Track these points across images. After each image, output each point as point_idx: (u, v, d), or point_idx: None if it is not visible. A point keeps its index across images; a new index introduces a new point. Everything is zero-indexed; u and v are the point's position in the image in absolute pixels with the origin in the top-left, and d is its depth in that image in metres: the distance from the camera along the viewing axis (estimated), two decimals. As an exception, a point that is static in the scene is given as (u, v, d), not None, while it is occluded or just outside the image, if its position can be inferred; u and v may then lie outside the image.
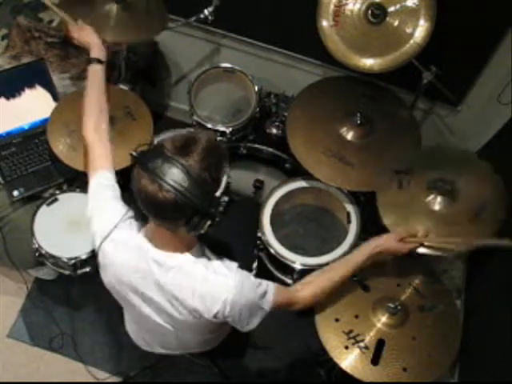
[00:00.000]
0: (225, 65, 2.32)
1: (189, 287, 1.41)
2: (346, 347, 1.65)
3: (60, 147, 2.01)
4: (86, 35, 1.88)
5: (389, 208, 1.80)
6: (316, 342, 1.70)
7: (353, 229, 2.01)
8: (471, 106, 2.20)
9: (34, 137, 2.22)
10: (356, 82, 2.16)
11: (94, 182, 1.59)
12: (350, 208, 2.06)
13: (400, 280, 1.80)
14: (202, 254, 1.47)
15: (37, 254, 2.00)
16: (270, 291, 1.47)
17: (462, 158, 1.93)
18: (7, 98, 2.14)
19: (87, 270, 2.04)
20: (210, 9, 2.13)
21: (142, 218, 1.49)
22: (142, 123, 2.11)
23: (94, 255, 1.98)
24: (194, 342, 1.68)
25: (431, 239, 1.69)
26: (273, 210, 2.05)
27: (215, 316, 1.42)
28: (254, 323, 1.48)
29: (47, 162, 2.19)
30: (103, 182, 1.59)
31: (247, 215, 2.04)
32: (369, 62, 1.95)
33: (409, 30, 1.87)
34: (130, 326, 1.81)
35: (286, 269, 1.98)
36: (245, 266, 1.50)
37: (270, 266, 2.04)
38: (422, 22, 1.85)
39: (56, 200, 2.09)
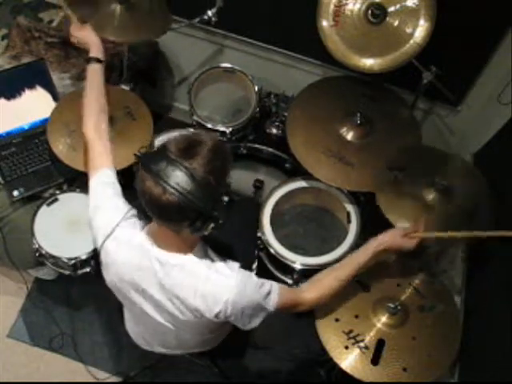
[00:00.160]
0: (225, 65, 2.32)
1: (191, 286, 1.41)
2: (346, 347, 1.65)
3: (60, 147, 2.01)
4: (85, 34, 1.89)
5: (389, 205, 1.81)
6: (316, 341, 1.70)
7: (353, 229, 2.01)
8: (471, 106, 2.20)
9: (34, 137, 2.22)
10: (356, 81, 2.16)
11: (94, 181, 1.59)
12: (350, 208, 2.06)
13: (400, 280, 1.80)
14: (204, 254, 1.47)
15: (37, 254, 2.00)
16: (273, 291, 1.46)
17: (458, 163, 1.95)
18: (7, 97, 2.14)
19: (87, 270, 2.04)
20: (214, 10, 2.13)
21: (144, 217, 1.49)
22: (142, 123, 2.11)
23: (94, 255, 2.00)
24: (193, 341, 1.68)
25: (434, 232, 1.69)
26: (273, 210, 2.05)
27: (217, 316, 1.42)
28: (256, 322, 1.47)
29: (47, 162, 2.19)
30: (104, 180, 1.59)
31: (247, 215, 2.04)
32: (369, 62, 1.95)
33: (409, 30, 1.87)
34: (130, 325, 1.81)
35: (286, 269, 1.98)
36: (245, 266, 1.50)
37: (269, 266, 2.04)
38: (422, 21, 1.85)
39: (56, 200, 2.09)
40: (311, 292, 1.56)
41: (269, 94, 2.35)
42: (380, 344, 1.66)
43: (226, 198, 1.34)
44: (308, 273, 1.94)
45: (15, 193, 2.11)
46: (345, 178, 1.97)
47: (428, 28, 1.85)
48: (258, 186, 2.33)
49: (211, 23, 2.16)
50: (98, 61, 1.82)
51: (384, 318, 1.70)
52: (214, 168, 1.29)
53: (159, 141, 2.17)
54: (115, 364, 2.25)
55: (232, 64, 2.32)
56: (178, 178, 1.25)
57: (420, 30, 1.86)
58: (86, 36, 1.89)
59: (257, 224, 2.01)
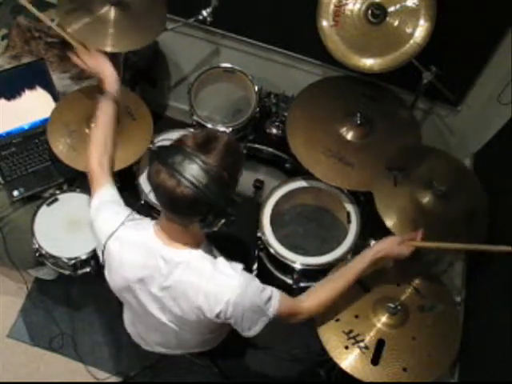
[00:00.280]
0: (225, 65, 2.32)
1: (194, 284, 1.41)
2: (346, 347, 1.65)
3: (60, 147, 2.01)
4: (97, 64, 1.77)
5: (387, 209, 1.81)
6: (316, 341, 1.70)
7: (353, 229, 2.01)
8: (471, 106, 2.20)
9: (34, 137, 2.23)
10: (356, 81, 2.16)
11: (96, 201, 1.56)
12: (350, 208, 2.06)
13: (400, 280, 1.80)
14: (209, 252, 1.47)
15: (37, 254, 2.00)
16: (274, 297, 1.46)
17: (457, 168, 1.95)
18: (7, 98, 2.15)
19: (87, 270, 2.04)
20: (209, 10, 2.12)
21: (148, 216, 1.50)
22: (142, 123, 2.12)
23: (94, 255, 2.00)
24: (193, 341, 1.68)
25: (431, 243, 1.70)
26: (273, 210, 2.05)
27: (217, 316, 1.42)
28: (256, 330, 1.47)
29: (47, 162, 2.19)
30: (106, 199, 1.56)
31: (247, 215, 2.04)
32: (369, 62, 1.95)
33: (409, 30, 1.87)
34: (130, 326, 1.81)
35: (286, 269, 1.98)
36: (245, 266, 1.50)
37: (269, 266, 2.04)
38: (422, 22, 1.85)
39: (56, 200, 2.09)
40: (309, 302, 1.56)
41: (269, 94, 2.35)
42: (380, 344, 1.66)
43: (237, 197, 1.36)
44: (308, 273, 1.95)
45: (15, 193, 2.11)
46: (345, 177, 1.97)
47: (428, 28, 1.85)
48: (258, 186, 2.33)
49: (206, 23, 2.16)
50: (112, 95, 1.72)
51: (384, 318, 1.69)
52: (228, 164, 1.31)
53: (159, 141, 2.18)
54: (115, 364, 2.25)
55: (232, 64, 2.32)
56: (193, 171, 1.26)
57: (420, 30, 1.86)
58: (97, 66, 1.76)
59: (257, 224, 2.01)
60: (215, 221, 1.35)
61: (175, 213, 1.36)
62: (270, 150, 2.33)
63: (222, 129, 2.18)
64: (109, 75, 1.74)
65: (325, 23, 1.94)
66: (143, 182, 2.11)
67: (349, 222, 2.03)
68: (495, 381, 1.61)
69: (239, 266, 1.45)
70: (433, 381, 1.64)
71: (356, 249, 1.99)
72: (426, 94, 2.09)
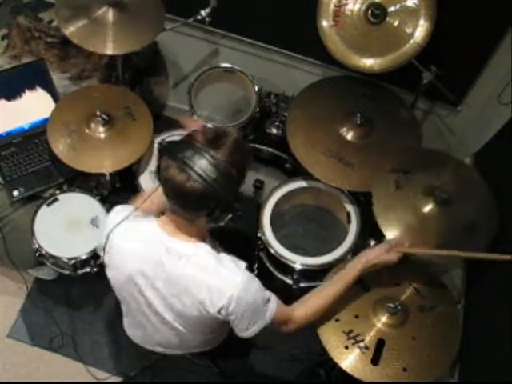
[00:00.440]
0: (225, 65, 2.32)
1: (197, 278, 1.42)
2: (346, 347, 1.65)
3: (60, 147, 2.01)
4: (195, 126, 1.89)
5: (384, 210, 1.80)
6: (316, 341, 1.70)
7: (353, 229, 2.01)
8: (471, 106, 2.20)
9: (34, 137, 2.22)
10: (356, 81, 2.16)
11: (119, 207, 1.60)
12: (350, 208, 2.06)
13: (400, 280, 1.80)
14: (213, 247, 1.48)
15: (37, 254, 2.00)
16: (272, 301, 1.49)
17: (461, 170, 1.93)
18: (7, 98, 2.15)
19: (87, 270, 2.04)
20: (207, 10, 2.12)
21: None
22: (142, 123, 2.12)
23: (94, 255, 2.00)
24: (195, 341, 1.68)
25: (421, 250, 1.71)
26: (273, 210, 2.05)
27: (219, 311, 1.42)
28: (253, 331, 1.48)
29: (47, 162, 2.19)
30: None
31: (247, 215, 2.04)
32: (369, 62, 1.95)
33: (409, 30, 1.87)
34: (130, 329, 1.80)
35: (286, 269, 1.98)
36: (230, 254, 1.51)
37: (269, 266, 2.04)
38: (421, 22, 1.85)
39: (56, 200, 2.09)
40: (300, 311, 1.57)
41: (269, 94, 2.35)
42: (380, 344, 1.66)
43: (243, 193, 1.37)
44: (308, 273, 1.95)
45: (15, 193, 2.11)
46: (345, 178, 1.97)
47: (428, 28, 1.85)
48: (258, 186, 2.32)
49: (205, 23, 2.16)
50: None
51: (384, 318, 1.69)
52: (236, 160, 1.34)
53: (159, 141, 2.18)
54: (115, 364, 2.25)
55: (232, 64, 2.32)
56: (202, 165, 1.29)
57: (420, 30, 1.86)
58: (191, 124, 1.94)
59: (257, 224, 2.01)
60: (222, 216, 1.37)
61: (183, 207, 1.37)
62: (270, 149, 2.33)
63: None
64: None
65: (325, 23, 1.94)
66: (143, 181, 2.11)
67: (349, 222, 2.03)
68: (495, 381, 1.61)
69: (243, 264, 1.46)
70: (433, 381, 1.64)
71: (356, 249, 1.99)
72: (426, 94, 2.09)
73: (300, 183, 2.12)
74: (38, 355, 2.28)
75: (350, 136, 2.04)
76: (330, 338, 1.67)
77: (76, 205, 2.10)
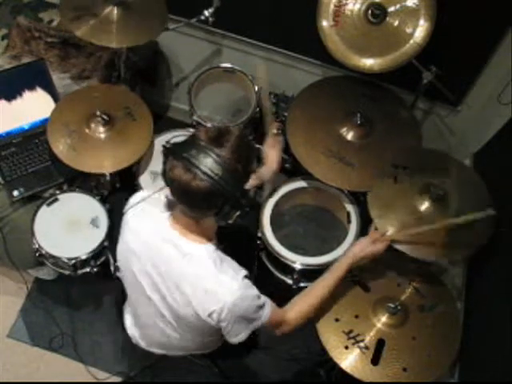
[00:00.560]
0: (225, 65, 2.32)
1: (195, 278, 1.42)
2: (346, 347, 1.65)
3: (60, 147, 2.01)
4: (272, 155, 1.91)
5: (377, 203, 1.80)
6: (316, 341, 1.70)
7: (353, 229, 2.01)
8: (471, 106, 2.20)
9: (34, 137, 2.22)
10: (356, 81, 2.16)
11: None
12: (350, 208, 2.06)
13: (400, 280, 1.80)
14: (216, 251, 1.48)
15: (37, 254, 2.00)
16: (267, 306, 1.49)
17: (458, 170, 1.93)
18: (7, 98, 2.14)
19: (87, 270, 2.04)
20: (211, 10, 2.13)
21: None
22: (142, 123, 2.12)
23: (94, 255, 2.00)
24: (194, 343, 1.68)
25: (404, 233, 1.71)
26: (273, 210, 2.05)
27: (210, 315, 1.42)
28: (241, 337, 1.49)
29: (47, 162, 2.19)
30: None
31: (247, 215, 2.04)
32: (369, 62, 1.95)
33: (409, 30, 1.87)
34: (132, 326, 1.80)
35: (286, 269, 1.98)
36: (245, 266, 1.50)
37: (269, 265, 2.04)
38: (421, 21, 1.85)
39: (56, 200, 2.09)
40: (293, 312, 1.58)
41: (269, 94, 2.34)
42: (380, 344, 1.66)
43: (251, 191, 1.40)
44: (308, 273, 1.95)
45: (15, 193, 2.11)
46: (345, 178, 1.97)
47: (428, 28, 1.85)
48: (258, 186, 2.33)
49: (209, 23, 2.16)
50: (262, 175, 1.86)
51: (384, 318, 1.69)
52: (241, 156, 1.34)
53: (159, 141, 2.18)
54: (115, 364, 2.25)
55: (232, 64, 2.32)
56: (208, 163, 1.29)
57: (420, 30, 1.86)
58: (271, 158, 1.91)
59: (257, 224, 2.01)
60: (230, 213, 1.37)
61: (190, 207, 1.38)
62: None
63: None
64: (271, 162, 1.89)
65: (325, 23, 1.94)
66: (143, 181, 2.11)
67: (349, 222, 2.03)
68: (495, 381, 1.61)
69: (243, 271, 1.46)
70: (433, 381, 1.64)
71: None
72: (426, 94, 2.09)
73: (300, 183, 2.12)
74: (38, 355, 2.28)
75: (350, 136, 2.04)
76: (330, 338, 1.67)
77: (76, 205, 2.10)
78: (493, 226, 1.76)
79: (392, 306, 1.68)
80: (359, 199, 2.09)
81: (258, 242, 2.01)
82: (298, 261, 1.93)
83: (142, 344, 1.80)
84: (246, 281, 1.44)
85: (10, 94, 2.14)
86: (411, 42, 1.88)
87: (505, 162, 1.95)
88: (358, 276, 1.79)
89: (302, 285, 1.99)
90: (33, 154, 2.19)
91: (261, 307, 1.47)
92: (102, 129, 2.06)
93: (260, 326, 1.48)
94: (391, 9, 1.87)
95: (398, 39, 1.89)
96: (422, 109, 2.29)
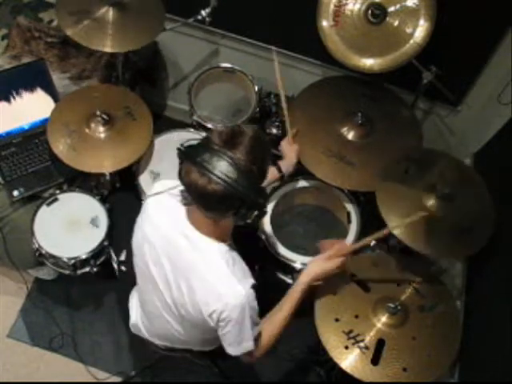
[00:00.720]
0: (225, 65, 2.32)
1: (203, 275, 1.43)
2: (346, 347, 1.65)
3: (60, 147, 2.01)
4: (289, 150, 1.98)
5: (388, 207, 1.80)
6: (316, 342, 1.70)
7: (353, 229, 2.01)
8: (471, 106, 2.20)
9: (34, 137, 2.22)
10: (356, 81, 2.16)
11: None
12: (350, 208, 2.06)
13: (400, 280, 1.80)
14: (230, 251, 1.49)
15: (37, 254, 2.00)
16: (259, 327, 1.51)
17: (463, 172, 1.93)
18: (7, 98, 2.14)
19: (87, 269, 2.04)
20: (208, 10, 2.12)
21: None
22: (142, 123, 2.12)
23: (94, 255, 2.00)
24: (197, 339, 1.69)
25: (353, 246, 1.73)
26: (273, 210, 2.05)
27: (211, 315, 1.43)
28: (234, 350, 1.51)
29: (47, 162, 2.19)
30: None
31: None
32: (369, 62, 1.95)
33: (409, 30, 1.87)
34: (137, 312, 1.80)
35: (286, 269, 1.98)
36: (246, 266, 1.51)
37: (270, 265, 2.04)
38: (421, 21, 1.85)
39: (56, 200, 2.09)
40: (259, 340, 1.57)
41: (269, 94, 2.35)
42: (380, 344, 1.66)
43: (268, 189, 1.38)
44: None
45: (15, 193, 2.11)
46: (345, 177, 1.97)
47: (428, 28, 1.85)
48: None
49: (206, 23, 2.16)
50: (280, 171, 1.92)
51: (384, 318, 1.69)
52: (255, 157, 1.33)
53: (159, 141, 2.18)
54: (115, 364, 2.25)
55: (232, 64, 2.32)
56: (222, 167, 1.29)
57: (420, 30, 1.86)
58: (289, 152, 1.98)
59: (257, 224, 2.01)
60: (248, 213, 1.37)
61: (207, 209, 1.38)
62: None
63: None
64: (290, 163, 1.96)
65: (325, 23, 1.94)
66: (143, 181, 2.11)
67: (349, 222, 2.03)
68: (495, 381, 1.61)
69: (251, 280, 1.47)
70: (433, 381, 1.64)
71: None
72: (426, 94, 2.09)
73: (300, 183, 2.12)
74: (38, 355, 2.28)
75: (350, 136, 2.03)
76: (330, 337, 1.67)
77: (76, 205, 2.10)
78: (493, 226, 1.76)
79: (392, 305, 1.68)
80: (359, 199, 2.09)
81: (258, 242, 2.01)
82: (298, 261, 1.93)
83: (145, 333, 1.80)
84: (252, 291, 1.45)
85: (10, 94, 2.14)
86: (411, 41, 1.88)
87: (505, 161, 1.95)
88: (358, 276, 1.79)
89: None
90: (33, 154, 2.19)
91: (256, 322, 1.49)
92: (101, 129, 2.06)
93: (251, 345, 1.49)
94: (391, 9, 1.87)
95: (398, 39, 1.89)
96: (422, 109, 2.29)
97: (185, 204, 1.46)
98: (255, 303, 1.46)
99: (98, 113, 2.05)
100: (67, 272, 2.05)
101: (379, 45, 1.92)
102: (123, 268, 2.02)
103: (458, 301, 1.91)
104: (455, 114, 2.26)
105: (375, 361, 1.63)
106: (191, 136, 2.21)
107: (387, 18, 1.88)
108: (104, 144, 2.06)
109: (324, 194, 2.11)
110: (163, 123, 2.70)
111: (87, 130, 2.06)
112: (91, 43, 1.94)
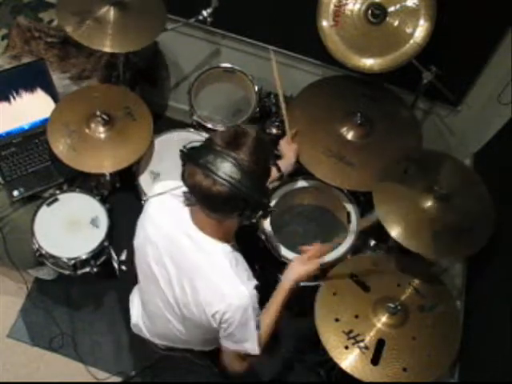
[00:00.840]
0: (225, 65, 2.32)
1: (207, 275, 1.43)
2: (346, 347, 1.65)
3: (60, 147, 2.01)
4: (288, 149, 1.98)
5: (384, 200, 1.80)
6: (316, 341, 1.70)
7: (353, 229, 2.01)
8: (471, 106, 2.20)
9: (34, 137, 2.22)
10: (356, 81, 2.16)
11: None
12: (350, 208, 2.06)
13: (400, 280, 1.80)
14: (234, 252, 1.49)
15: (37, 254, 2.00)
16: (259, 332, 1.50)
17: (463, 172, 1.93)
18: (7, 98, 2.14)
19: (87, 269, 2.04)
20: (209, 10, 2.13)
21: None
22: (142, 123, 2.12)
23: (94, 255, 2.00)
24: (198, 339, 1.69)
25: (329, 246, 1.78)
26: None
27: (214, 315, 1.42)
28: (235, 346, 1.50)
29: (47, 162, 2.19)
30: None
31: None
32: (369, 62, 1.95)
33: (409, 30, 1.87)
34: (138, 311, 1.80)
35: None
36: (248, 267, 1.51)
37: (270, 265, 2.04)
38: (421, 21, 1.85)
39: (56, 200, 2.09)
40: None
41: (269, 94, 2.35)
42: (380, 344, 1.66)
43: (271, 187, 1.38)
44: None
45: (15, 193, 2.11)
46: (345, 177, 1.97)
47: (428, 28, 1.85)
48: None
49: (207, 23, 2.16)
50: (279, 170, 1.90)
51: (384, 318, 1.69)
52: (259, 157, 1.34)
53: (159, 141, 2.18)
54: (115, 364, 2.25)
55: (232, 64, 2.32)
56: (226, 168, 1.29)
57: (420, 30, 1.86)
58: (288, 152, 1.97)
59: (257, 224, 2.01)
60: (253, 213, 1.38)
61: (212, 210, 1.38)
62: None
63: (222, 129, 2.18)
64: (289, 162, 1.96)
65: (325, 23, 1.94)
66: (143, 181, 2.11)
67: (349, 222, 2.03)
68: (495, 381, 1.62)
69: (254, 282, 1.47)
70: (433, 381, 1.64)
71: (356, 249, 1.99)
72: (426, 94, 2.09)
73: (300, 183, 2.12)
74: (38, 355, 2.28)
75: (350, 136, 2.04)
76: (330, 337, 1.67)
77: (76, 205, 2.10)
78: (493, 226, 1.76)
79: (392, 305, 1.68)
80: (359, 199, 2.09)
81: (258, 242, 2.01)
82: (298, 261, 1.93)
83: (146, 333, 1.80)
84: (255, 292, 1.45)
85: (10, 94, 2.14)
86: (411, 41, 1.88)
87: (505, 161, 1.95)
88: (357, 276, 1.79)
89: (301, 284, 1.98)
90: (33, 154, 2.19)
91: (258, 325, 1.48)
92: (102, 129, 2.06)
93: (254, 347, 1.49)
94: (391, 9, 1.87)
95: (398, 39, 1.89)
96: (422, 109, 2.29)
97: (187, 205, 1.46)
98: (257, 305, 1.46)
99: (98, 113, 2.05)
100: (67, 272, 2.05)
101: (379, 45, 1.92)
102: (124, 268, 2.01)
103: (458, 301, 1.92)
104: (455, 114, 2.26)
105: (375, 361, 1.63)
106: (191, 136, 2.21)
107: (387, 18, 1.88)
108: (104, 144, 2.05)
109: (324, 194, 2.11)
110: (163, 123, 2.70)
111: (87, 130, 2.05)
112: (92, 43, 1.94)
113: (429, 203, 1.77)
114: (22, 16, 2.41)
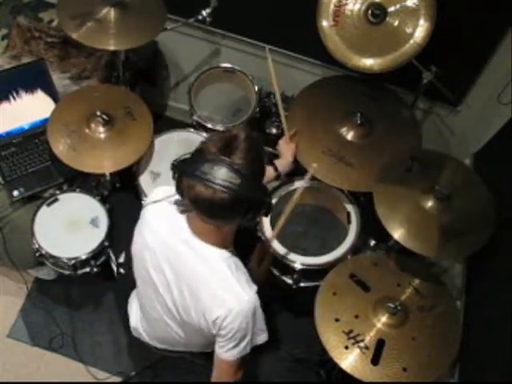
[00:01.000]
0: (225, 65, 2.32)
1: (206, 281, 1.42)
2: (346, 347, 1.65)
3: (60, 147, 2.01)
4: (286, 149, 2.01)
5: (384, 201, 1.80)
6: (316, 341, 1.70)
7: (353, 229, 2.01)
8: (471, 106, 2.20)
9: (34, 137, 2.22)
10: (356, 81, 2.16)
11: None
12: (350, 208, 2.06)
13: (400, 280, 1.80)
14: (231, 257, 1.48)
15: (37, 254, 2.00)
16: (264, 337, 1.52)
17: (463, 172, 1.93)
18: (7, 98, 2.15)
19: (87, 269, 2.04)
20: (208, 10, 2.12)
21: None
22: (142, 123, 2.12)
23: (94, 255, 2.00)
24: (197, 342, 1.68)
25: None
26: (273, 210, 2.05)
27: (214, 321, 1.42)
28: (235, 354, 1.49)
29: (47, 162, 2.19)
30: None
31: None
32: (369, 62, 1.95)
33: (409, 30, 1.87)
34: (136, 316, 1.80)
35: (286, 269, 1.98)
36: (246, 266, 1.50)
37: (270, 266, 2.04)
38: (421, 21, 1.85)
39: (56, 200, 2.09)
40: None
41: (269, 94, 2.35)
42: (380, 344, 1.66)
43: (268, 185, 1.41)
44: (308, 273, 1.95)
45: (15, 193, 2.11)
46: (345, 177, 1.97)
47: (428, 28, 1.85)
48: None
49: (206, 23, 2.16)
50: (276, 170, 1.95)
51: (384, 318, 1.69)
52: (254, 157, 1.34)
53: (159, 141, 2.18)
54: (115, 364, 2.25)
55: (232, 64, 2.32)
56: (224, 175, 1.28)
57: (420, 30, 1.86)
58: (285, 151, 2.00)
59: (257, 224, 2.01)
60: (256, 214, 1.38)
61: (215, 217, 1.37)
62: (270, 149, 2.33)
63: (221, 129, 2.18)
64: (287, 161, 1.99)
65: (325, 23, 1.94)
66: (143, 181, 2.11)
67: (349, 222, 2.03)
68: (495, 381, 1.62)
69: (255, 287, 1.46)
70: (433, 381, 1.64)
71: (356, 249, 1.99)
72: (426, 93, 2.09)
73: (300, 183, 2.11)
74: (38, 355, 2.28)
75: (350, 136, 2.03)
76: (330, 337, 1.67)
77: (76, 205, 2.10)
78: (493, 226, 1.76)
79: (392, 306, 1.68)
80: (359, 199, 2.09)
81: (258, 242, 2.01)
82: (298, 261, 1.93)
83: (145, 337, 1.79)
84: (257, 297, 1.44)
85: (10, 94, 2.14)
86: (411, 42, 1.88)
87: (505, 161, 1.95)
88: (357, 276, 1.79)
89: (302, 285, 1.99)
90: (33, 154, 2.19)
91: (262, 331, 1.49)
92: (101, 129, 2.06)
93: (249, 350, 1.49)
94: (391, 9, 1.87)
95: (398, 39, 1.89)
96: (422, 109, 2.29)
97: (182, 212, 1.46)
98: (260, 310, 1.45)
99: (98, 113, 2.05)
100: (67, 272, 2.05)
101: (379, 45, 1.92)
102: (122, 270, 2.01)
103: (458, 301, 1.92)
104: (455, 114, 2.26)
105: (375, 361, 1.63)
106: (191, 136, 2.21)
107: (387, 18, 1.88)
108: (104, 144, 2.05)
109: (324, 194, 2.11)
110: (163, 123, 2.70)
111: (87, 130, 2.05)
112: (94, 43, 1.95)
113: (430, 204, 1.77)
114: (22, 16, 2.41)
